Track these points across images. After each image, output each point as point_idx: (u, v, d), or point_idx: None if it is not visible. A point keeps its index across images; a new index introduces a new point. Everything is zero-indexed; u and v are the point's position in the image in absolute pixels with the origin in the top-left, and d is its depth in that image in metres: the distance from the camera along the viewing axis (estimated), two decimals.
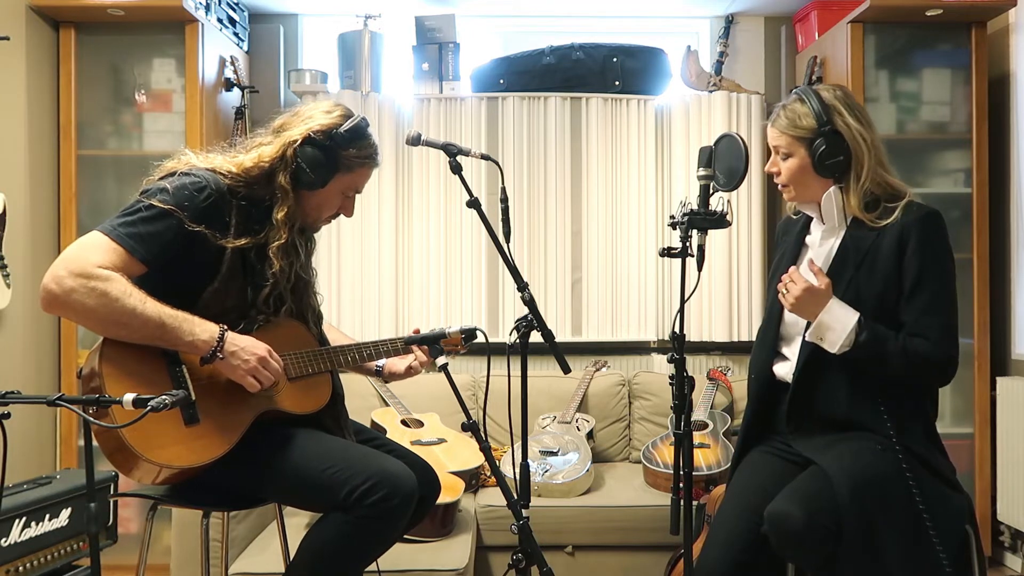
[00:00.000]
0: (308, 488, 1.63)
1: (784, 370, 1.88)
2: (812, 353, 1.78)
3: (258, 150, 1.68)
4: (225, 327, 1.57)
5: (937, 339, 1.72)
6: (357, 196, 1.85)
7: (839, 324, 1.71)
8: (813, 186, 1.84)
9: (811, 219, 1.95)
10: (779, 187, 1.91)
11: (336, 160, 1.70)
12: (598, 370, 3.32)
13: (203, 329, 1.54)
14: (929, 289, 1.73)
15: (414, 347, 1.89)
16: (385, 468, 1.63)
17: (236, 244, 1.62)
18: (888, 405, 1.75)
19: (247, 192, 1.66)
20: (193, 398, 1.56)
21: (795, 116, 1.81)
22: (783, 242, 2.03)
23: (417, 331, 1.90)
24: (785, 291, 1.77)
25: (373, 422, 2.90)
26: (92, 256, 1.48)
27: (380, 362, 1.98)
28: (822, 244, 1.89)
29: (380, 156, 1.80)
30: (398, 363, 1.96)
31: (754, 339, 2.04)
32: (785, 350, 1.90)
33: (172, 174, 1.61)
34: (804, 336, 1.78)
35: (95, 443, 1.51)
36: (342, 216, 1.84)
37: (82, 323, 1.53)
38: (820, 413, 1.80)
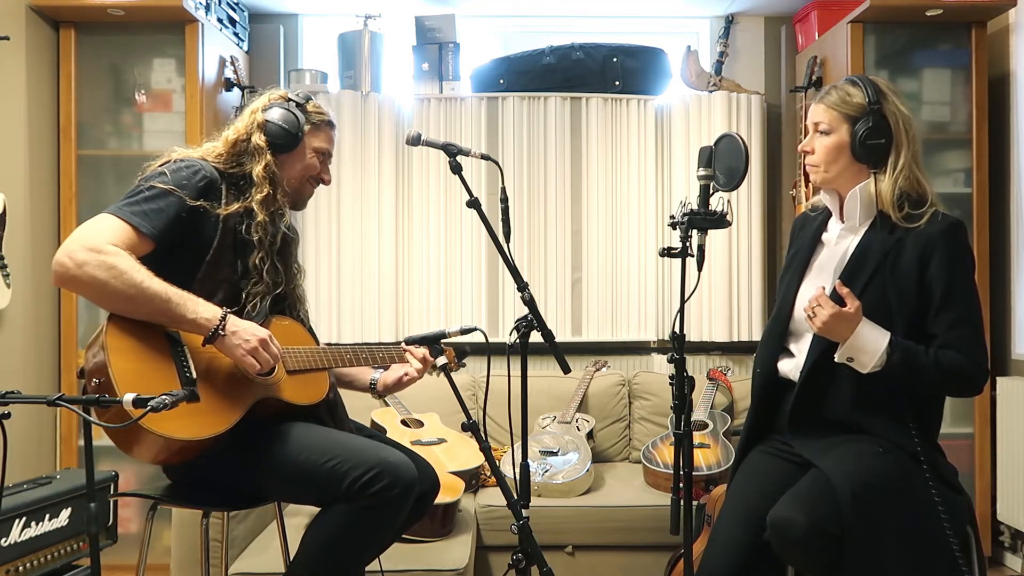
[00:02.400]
0: (310, 481, 1.64)
1: (789, 367, 1.86)
2: (822, 354, 1.76)
3: (233, 126, 1.83)
4: (228, 309, 1.61)
5: (970, 351, 1.71)
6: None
7: (871, 347, 1.68)
8: (846, 171, 1.81)
9: (829, 217, 1.92)
10: (808, 167, 1.87)
11: (300, 115, 1.83)
12: (598, 370, 3.32)
13: (206, 308, 1.59)
14: (959, 303, 1.72)
15: (409, 355, 1.91)
16: (386, 458, 1.65)
17: (228, 211, 1.71)
18: (894, 408, 1.74)
19: (236, 170, 1.77)
20: (194, 376, 1.59)
21: (846, 94, 1.79)
22: (799, 238, 1.99)
23: None
24: (812, 314, 1.72)
25: (373, 422, 2.90)
26: (103, 234, 1.56)
27: (375, 376, 1.99)
28: (838, 243, 1.86)
29: (330, 105, 1.96)
30: (391, 375, 1.97)
31: (754, 339, 2.03)
32: (792, 347, 1.88)
33: (167, 162, 1.72)
34: (832, 351, 1.74)
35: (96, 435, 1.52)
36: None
37: (91, 296, 1.57)
38: (824, 414, 1.79)
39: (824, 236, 1.92)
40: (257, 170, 1.76)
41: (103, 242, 1.53)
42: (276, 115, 1.80)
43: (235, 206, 1.72)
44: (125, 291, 1.52)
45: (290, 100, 1.84)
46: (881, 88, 1.78)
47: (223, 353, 1.61)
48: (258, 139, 1.78)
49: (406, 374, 1.94)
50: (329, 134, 1.90)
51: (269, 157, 1.78)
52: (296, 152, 1.83)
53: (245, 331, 1.60)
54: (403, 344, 1.91)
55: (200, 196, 1.67)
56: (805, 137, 1.89)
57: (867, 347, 1.69)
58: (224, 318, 1.58)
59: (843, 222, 1.87)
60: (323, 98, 3.27)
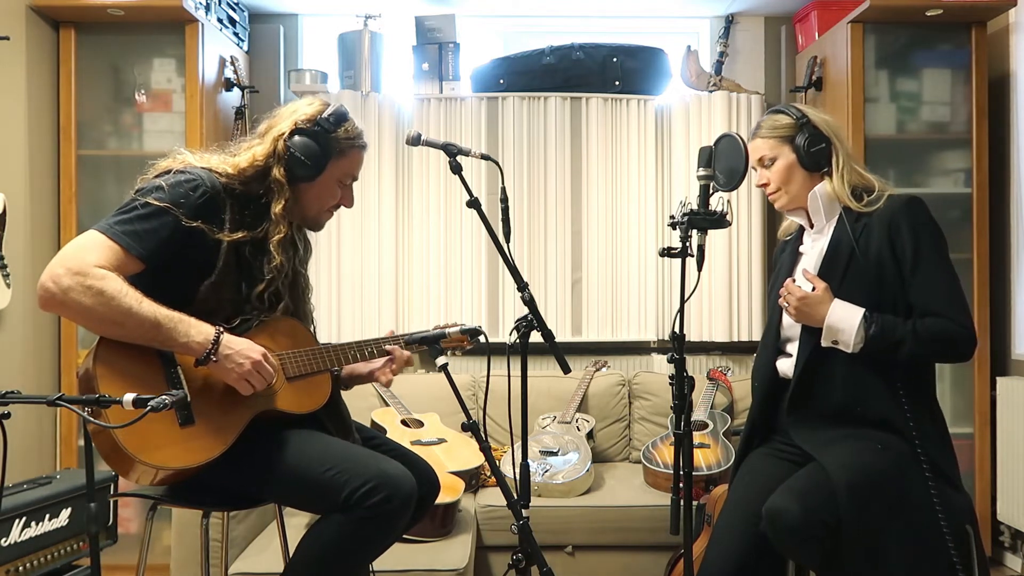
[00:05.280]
0: (308, 490, 1.62)
1: (786, 365, 1.91)
2: (814, 348, 1.81)
3: (251, 151, 1.69)
4: (221, 329, 1.55)
5: (948, 314, 1.75)
6: (357, 191, 1.86)
7: (846, 324, 1.75)
8: (803, 186, 1.91)
9: (802, 233, 2.01)
10: (770, 197, 1.97)
11: (327, 145, 1.70)
12: (598, 370, 3.32)
13: (198, 331, 1.53)
14: (928, 269, 1.77)
15: (395, 353, 1.84)
16: (385, 470, 1.63)
17: (232, 238, 1.62)
18: (891, 393, 1.77)
19: (243, 190, 1.67)
20: (188, 399, 1.55)
21: (773, 122, 1.94)
22: (780, 259, 2.08)
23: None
24: (786, 304, 1.83)
25: (373, 422, 2.90)
26: (89, 255, 1.48)
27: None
28: (814, 247, 1.94)
29: (368, 142, 1.81)
30: (360, 366, 1.89)
31: (754, 339, 2.08)
32: (789, 347, 1.93)
33: (167, 172, 1.62)
34: (819, 340, 1.81)
35: (93, 444, 1.51)
36: (343, 217, 1.83)
37: (79, 322, 1.53)
38: (822, 405, 1.82)
39: (801, 248, 2.00)
40: (276, 209, 1.66)
41: (89, 264, 1.46)
42: (300, 146, 1.66)
43: (240, 234, 1.62)
44: (113, 317, 1.46)
45: (318, 126, 1.68)
46: (801, 108, 1.93)
47: (217, 375, 1.57)
48: (278, 172, 1.66)
49: (381, 371, 1.84)
50: (358, 158, 1.78)
51: (288, 193, 1.67)
52: (317, 183, 1.71)
53: (239, 353, 1.55)
54: (403, 343, 1.89)
55: (198, 216, 1.56)
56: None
57: (842, 324, 1.76)
58: (217, 340, 1.53)
59: (813, 228, 1.95)
60: (323, 98, 3.27)
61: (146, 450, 1.48)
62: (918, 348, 1.74)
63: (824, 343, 1.78)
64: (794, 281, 1.87)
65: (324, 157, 1.70)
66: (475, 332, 1.89)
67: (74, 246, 1.51)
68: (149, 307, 1.49)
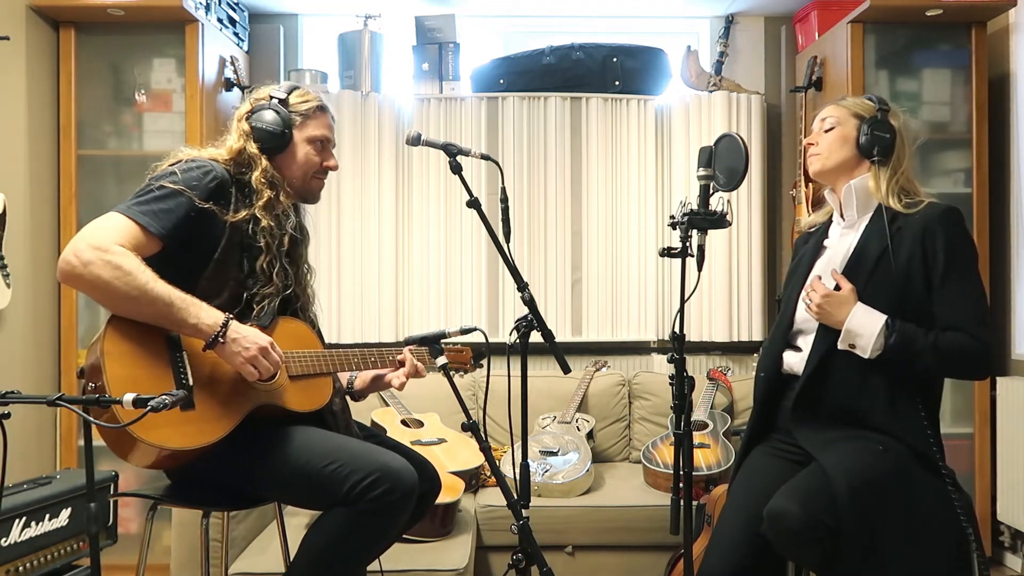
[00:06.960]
0: (310, 485, 1.64)
1: (794, 360, 1.88)
2: (828, 347, 1.79)
3: (230, 138, 1.83)
4: (231, 315, 1.60)
5: (971, 330, 1.73)
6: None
7: (866, 330, 1.72)
8: (846, 163, 1.87)
9: (829, 227, 1.98)
10: (808, 157, 1.94)
11: (285, 113, 1.82)
12: (598, 370, 3.32)
13: (208, 314, 1.58)
14: (958, 282, 1.75)
15: (407, 359, 1.89)
16: (386, 463, 1.65)
17: (236, 218, 1.70)
18: (900, 398, 1.75)
19: (239, 175, 1.77)
20: (190, 383, 1.58)
21: (857, 99, 1.91)
22: (802, 250, 2.04)
23: None
24: (809, 301, 1.80)
25: (373, 422, 2.90)
26: (110, 233, 1.55)
27: (352, 374, 1.97)
28: (840, 242, 1.91)
29: (330, 105, 1.92)
30: (368, 372, 1.95)
31: (754, 339, 2.06)
32: (799, 342, 1.91)
33: (177, 162, 1.71)
34: (835, 341, 1.78)
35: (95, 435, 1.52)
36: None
37: (94, 296, 1.57)
38: (828, 406, 1.80)
39: (826, 242, 1.97)
40: (255, 176, 1.75)
41: (110, 242, 1.53)
42: (260, 119, 1.79)
43: (243, 213, 1.71)
44: (128, 292, 1.52)
45: (272, 98, 1.82)
46: (888, 104, 1.88)
47: (223, 359, 1.61)
48: (251, 148, 1.77)
49: (395, 375, 1.90)
50: (322, 120, 1.87)
51: (265, 163, 1.77)
52: (289, 150, 1.82)
53: (245, 338, 1.59)
54: (404, 343, 1.90)
55: (210, 198, 1.66)
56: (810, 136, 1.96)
57: (862, 330, 1.73)
58: (225, 324, 1.57)
59: (843, 220, 1.90)
60: (322, 97, 3.27)
61: (145, 428, 1.49)
62: (936, 362, 1.72)
63: (841, 346, 1.76)
64: (820, 278, 1.84)
65: (285, 125, 1.81)
66: (480, 355, 1.93)
67: (95, 225, 1.58)
68: (163, 286, 1.55)
